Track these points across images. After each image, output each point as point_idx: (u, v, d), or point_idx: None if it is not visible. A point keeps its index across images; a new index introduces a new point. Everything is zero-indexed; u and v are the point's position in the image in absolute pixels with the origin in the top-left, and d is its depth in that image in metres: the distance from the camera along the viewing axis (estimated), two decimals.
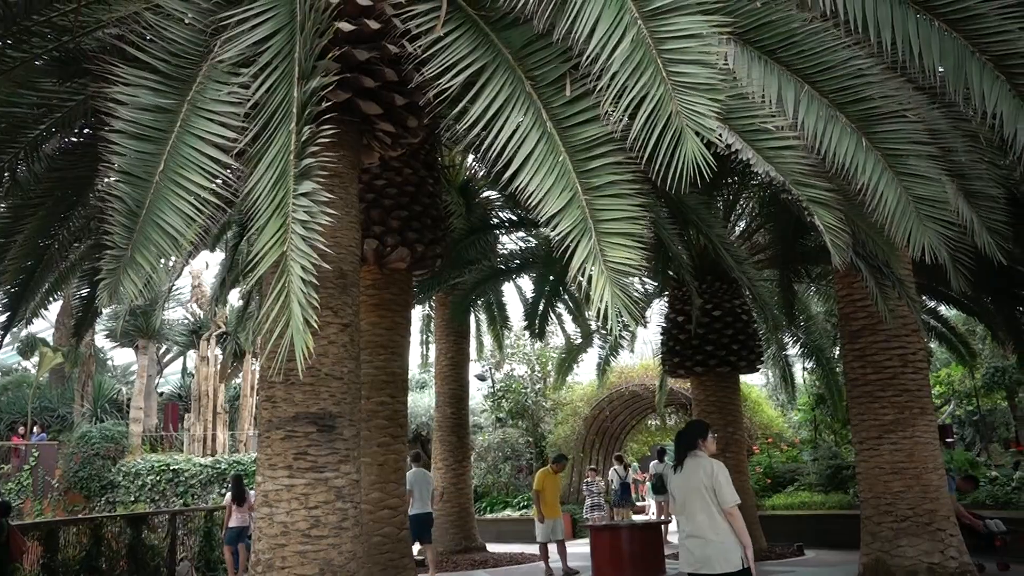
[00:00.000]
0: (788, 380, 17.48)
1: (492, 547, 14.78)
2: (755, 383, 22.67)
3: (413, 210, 9.37)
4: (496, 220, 14.19)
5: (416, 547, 10.75)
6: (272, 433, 5.37)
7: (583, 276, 3.28)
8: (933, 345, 17.29)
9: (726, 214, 13.37)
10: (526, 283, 16.63)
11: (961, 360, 16.53)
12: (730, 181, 11.94)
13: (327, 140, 4.30)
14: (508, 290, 18.13)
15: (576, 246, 3.35)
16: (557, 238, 3.41)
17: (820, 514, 13.89)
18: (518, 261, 14.29)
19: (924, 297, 13.99)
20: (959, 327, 16.37)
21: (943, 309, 15.53)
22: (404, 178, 9.43)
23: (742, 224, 13.91)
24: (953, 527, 7.93)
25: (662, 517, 15.68)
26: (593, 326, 16.31)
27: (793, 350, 16.58)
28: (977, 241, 4.63)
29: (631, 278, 3.34)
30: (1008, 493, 12.70)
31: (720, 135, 3.77)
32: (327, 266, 3.85)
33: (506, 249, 14.83)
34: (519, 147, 3.64)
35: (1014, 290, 11.83)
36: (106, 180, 3.62)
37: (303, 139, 3.62)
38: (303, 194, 3.55)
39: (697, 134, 3.08)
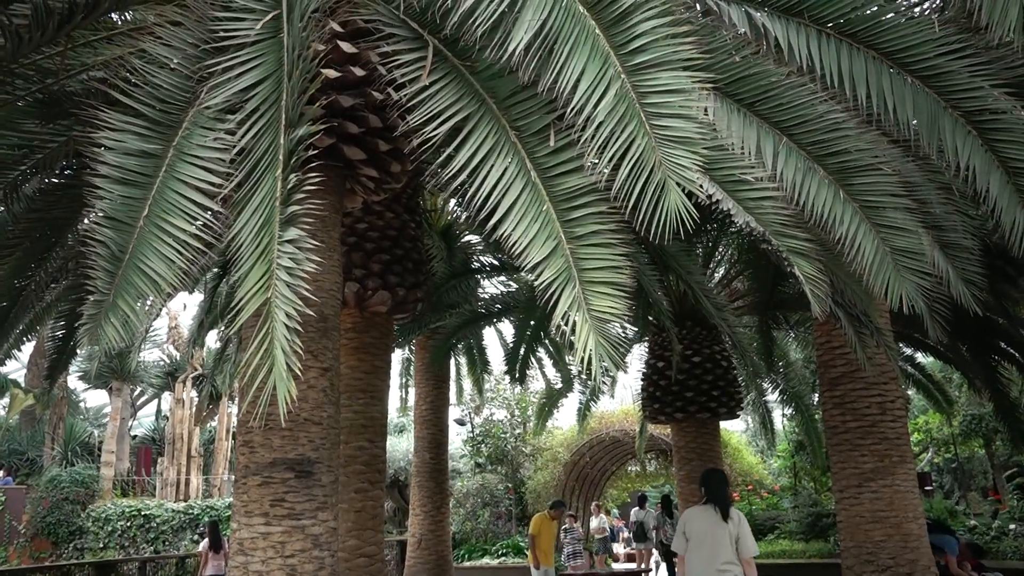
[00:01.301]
0: (768, 426, 17.51)
1: None
2: (735, 429, 22.70)
3: (395, 254, 9.37)
4: (478, 264, 14.22)
5: None
6: (249, 479, 5.28)
7: (567, 324, 3.30)
8: (911, 392, 17.42)
9: (706, 261, 13.50)
10: (507, 328, 16.63)
11: (939, 408, 16.65)
12: (710, 228, 12.08)
13: (312, 187, 4.33)
14: (489, 334, 18.19)
15: (560, 294, 3.37)
16: (541, 286, 3.43)
17: (800, 563, 13.82)
18: (499, 305, 14.28)
19: (902, 345, 14.13)
20: (936, 375, 16.51)
21: (920, 357, 15.67)
22: (386, 222, 9.43)
23: (721, 271, 14.04)
24: None
25: (642, 565, 15.55)
26: (574, 371, 16.29)
27: (772, 396, 16.64)
28: (953, 291, 4.71)
29: (614, 326, 3.36)
30: (987, 542, 12.73)
31: (702, 186, 3.83)
32: (310, 312, 3.83)
33: (487, 293, 14.84)
34: (504, 195, 3.68)
35: (989, 338, 11.98)
36: (88, 223, 3.60)
37: (289, 186, 3.63)
38: (288, 241, 3.56)
39: (679, 185, 3.13)
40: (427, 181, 4.23)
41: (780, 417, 19.24)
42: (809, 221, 4.19)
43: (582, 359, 3.28)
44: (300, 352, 3.48)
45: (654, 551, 16.21)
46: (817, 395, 13.29)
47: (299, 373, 3.48)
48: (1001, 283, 10.45)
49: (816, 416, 14.94)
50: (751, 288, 12.92)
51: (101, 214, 3.51)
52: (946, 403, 15.89)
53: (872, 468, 8.17)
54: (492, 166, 3.73)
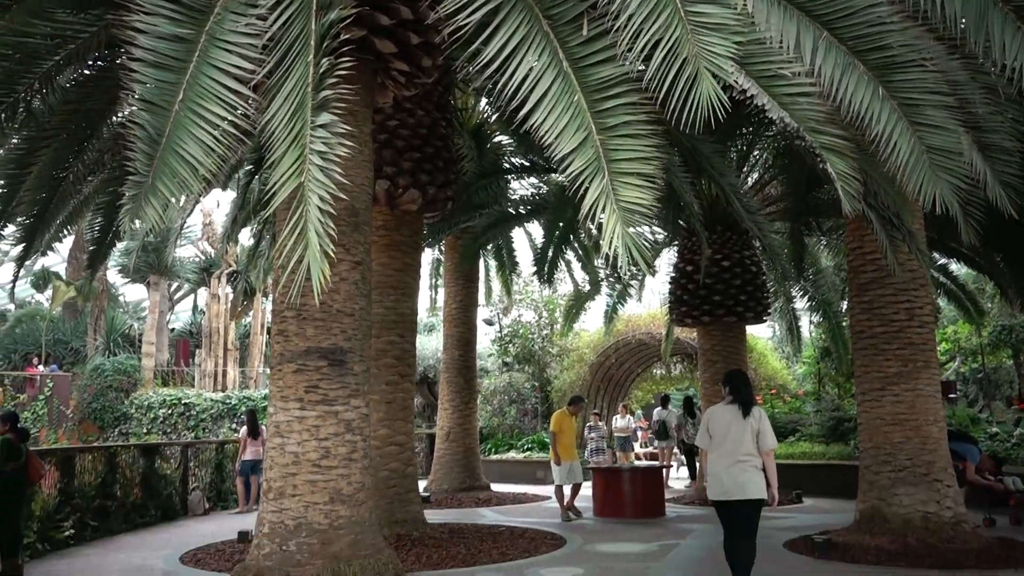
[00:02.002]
0: (794, 333, 17.56)
1: (496, 486, 15.09)
2: (762, 335, 22.78)
3: (425, 152, 9.36)
4: (508, 165, 14.13)
5: None
6: (284, 366, 5.50)
7: (594, 216, 3.32)
8: (942, 302, 17.29)
9: (739, 164, 13.28)
10: (536, 229, 16.63)
11: (969, 318, 16.54)
12: (744, 131, 11.83)
13: (343, 75, 4.30)
14: (518, 236, 18.17)
15: (589, 186, 3.38)
16: (570, 178, 3.43)
17: (820, 464, 14.08)
18: (529, 207, 14.27)
19: (935, 253, 13.96)
20: (969, 285, 16.33)
21: (954, 267, 15.48)
22: (417, 119, 9.39)
23: (755, 175, 13.82)
24: (951, 479, 8.05)
25: (663, 463, 15.96)
26: (602, 274, 16.34)
27: (801, 303, 16.63)
28: (989, 194, 4.63)
29: (641, 220, 3.37)
30: (1008, 449, 12.86)
31: (736, 79, 3.76)
32: (343, 197, 3.90)
33: (517, 195, 14.80)
34: (535, 85, 3.64)
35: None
36: (127, 109, 3.64)
37: (321, 71, 3.63)
38: (321, 126, 3.58)
39: (713, 75, 3.08)
40: (457, 76, 4.17)
41: (807, 324, 19.27)
42: (845, 119, 4.11)
43: (607, 255, 3.31)
44: (333, 235, 3.55)
45: (675, 449, 16.62)
46: (846, 302, 13.24)
47: (331, 255, 3.57)
48: None
49: (843, 323, 14.91)
50: (784, 193, 12.73)
51: (138, 98, 3.56)
52: (977, 313, 15.77)
53: (896, 372, 8.23)
54: (524, 56, 3.68)
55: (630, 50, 3.37)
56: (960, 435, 10.11)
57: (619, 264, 3.29)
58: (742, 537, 5.71)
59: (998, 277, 13.08)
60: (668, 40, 3.14)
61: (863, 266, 8.55)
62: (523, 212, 14.44)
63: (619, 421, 16.94)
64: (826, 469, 13.77)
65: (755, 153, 13.21)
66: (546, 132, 3.56)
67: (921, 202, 4.11)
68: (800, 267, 13.95)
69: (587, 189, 3.38)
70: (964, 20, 4.34)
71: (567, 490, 10.95)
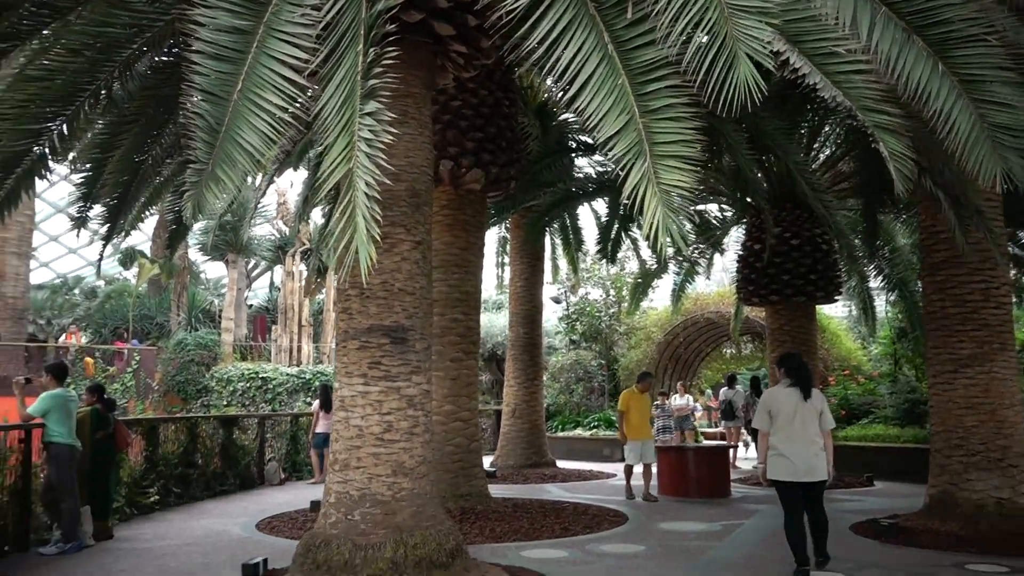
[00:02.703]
0: (869, 312, 17.11)
1: (562, 463, 15.23)
2: (836, 315, 22.26)
3: (488, 132, 9.45)
4: (573, 143, 14.10)
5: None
6: (348, 343, 5.69)
7: (636, 198, 3.35)
8: None
9: (810, 140, 12.96)
10: (602, 207, 16.56)
11: None
12: (815, 106, 11.52)
13: (400, 61, 4.40)
14: (585, 214, 18.12)
15: (631, 168, 3.41)
16: (613, 160, 3.46)
17: (894, 447, 13.75)
18: (594, 185, 14.22)
19: (1021, 233, 13.38)
20: None
21: None
22: (480, 100, 9.48)
23: (827, 151, 13.46)
24: None
25: (729, 443, 15.83)
26: (669, 252, 16.19)
27: (876, 282, 16.16)
28: None
29: (683, 200, 3.38)
30: None
31: (788, 58, 3.72)
32: (388, 182, 4.01)
33: (582, 173, 14.76)
34: (581, 68, 3.67)
35: None
36: (190, 100, 3.81)
37: (369, 60, 3.73)
38: (368, 113, 3.69)
39: (751, 58, 3.06)
40: (507, 56, 4.20)
41: (883, 303, 18.72)
42: (902, 96, 4.01)
43: (648, 233, 3.34)
44: (379, 219, 3.67)
45: (743, 429, 16.44)
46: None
47: (378, 239, 3.69)
48: None
49: (920, 303, 14.45)
50: (857, 169, 12.35)
51: (198, 88, 3.73)
52: None
53: (969, 354, 7.99)
54: (571, 38, 3.71)
55: (669, 34, 3.37)
56: None
57: (659, 246, 3.32)
58: (812, 512, 6.03)
59: None
60: (706, 23, 3.13)
61: (935, 245, 8.29)
62: (588, 190, 14.41)
63: (677, 400, 16.83)
64: (900, 452, 13.44)
65: (826, 128, 12.85)
66: (591, 114, 3.60)
67: (982, 180, 3.99)
68: (874, 245, 13.55)
69: (629, 171, 3.41)
70: None
71: (638, 470, 10.77)
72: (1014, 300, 16.75)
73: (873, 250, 13.87)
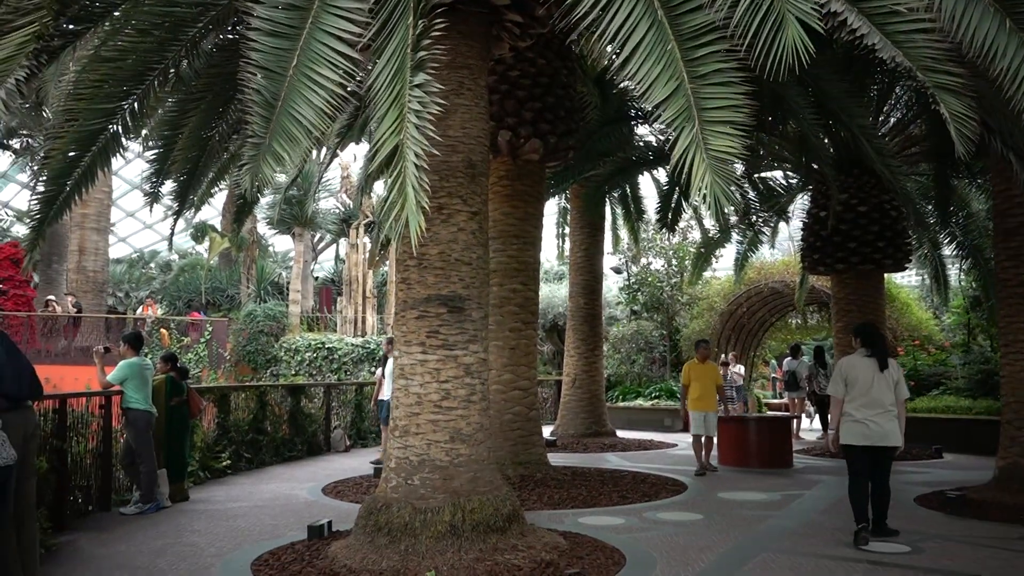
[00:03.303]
0: (941, 281, 16.56)
1: (622, 433, 15.27)
2: (907, 283, 21.63)
3: (546, 101, 9.42)
4: (632, 111, 13.93)
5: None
6: (407, 312, 5.81)
7: (685, 163, 3.34)
8: None
9: (879, 104, 12.52)
10: (663, 176, 16.36)
11: None
12: (883, 68, 11.12)
13: (454, 32, 4.43)
14: (645, 183, 17.91)
15: (680, 134, 3.39)
16: (662, 126, 3.45)
17: (964, 419, 13.40)
18: (653, 153, 14.04)
19: None
20: None
21: None
22: (538, 69, 9.45)
23: (897, 115, 12.99)
24: None
25: (793, 413, 15.61)
26: (732, 220, 15.90)
27: (948, 249, 15.62)
28: None
29: (732, 166, 3.35)
30: None
31: (847, 19, 3.63)
32: (437, 153, 4.07)
33: (642, 141, 14.57)
34: (631, 34, 3.65)
35: None
36: (248, 75, 3.92)
37: (418, 32, 3.78)
38: (417, 85, 3.74)
39: (801, 23, 2.99)
40: (558, 24, 4.18)
41: (956, 271, 18.10)
42: (967, 55, 3.86)
43: (697, 198, 3.32)
44: (428, 189, 3.73)
45: (806, 400, 16.19)
46: None
47: (427, 209, 3.75)
48: None
49: (995, 270, 13.92)
50: (929, 133, 11.91)
51: (255, 64, 3.84)
52: None
53: None
54: (621, 4, 3.68)
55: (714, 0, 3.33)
56: None
57: (703, 212, 3.31)
58: (878, 479, 6.24)
59: None
60: None
61: (1010, 209, 8.00)
62: (648, 159, 14.24)
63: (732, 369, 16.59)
64: (970, 424, 13.11)
65: (897, 91, 12.40)
66: (640, 81, 3.59)
67: None
68: (946, 211, 13.09)
69: (679, 138, 3.40)
70: None
71: (704, 441, 10.46)
72: None
73: (945, 216, 13.41)
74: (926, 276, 19.99)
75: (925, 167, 13.02)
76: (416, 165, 3.62)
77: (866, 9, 3.71)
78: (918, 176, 14.04)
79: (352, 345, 19.98)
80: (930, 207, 14.29)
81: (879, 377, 6.21)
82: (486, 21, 6.05)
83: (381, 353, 18.13)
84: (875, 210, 12.00)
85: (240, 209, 9.74)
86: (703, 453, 10.30)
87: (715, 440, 10.82)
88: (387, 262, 24.29)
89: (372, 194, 20.86)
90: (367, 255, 23.06)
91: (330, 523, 6.27)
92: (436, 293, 5.73)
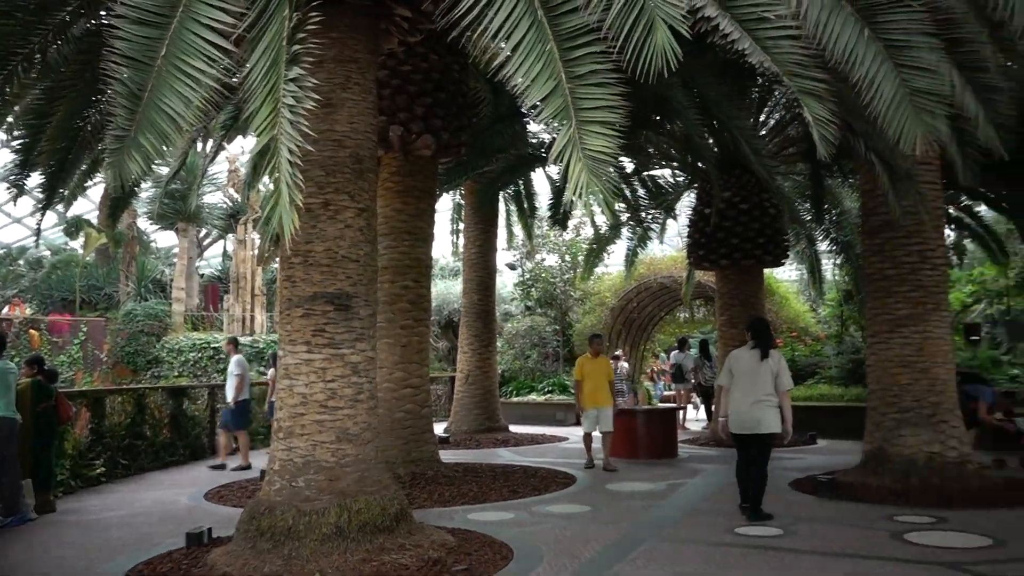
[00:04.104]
0: (816, 275, 17.46)
1: (515, 428, 15.39)
2: (784, 278, 22.67)
3: (438, 97, 9.37)
4: (524, 108, 14.01)
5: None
6: (292, 311, 5.67)
7: (562, 162, 3.39)
8: (968, 244, 17.06)
9: (759, 105, 13.07)
10: (556, 173, 16.56)
11: (994, 259, 16.31)
12: (763, 71, 11.60)
13: (342, 25, 4.33)
14: (539, 179, 18.09)
15: (558, 133, 3.44)
16: (541, 125, 3.50)
17: (837, 406, 14.15)
18: (546, 150, 14.19)
19: (964, 197, 13.72)
20: (996, 227, 16.05)
21: (983, 208, 15.21)
22: (430, 64, 9.38)
23: (776, 116, 13.60)
24: (957, 420, 8.09)
25: (679, 404, 16.12)
26: (623, 218, 16.26)
27: (823, 245, 16.49)
28: (981, 135, 4.59)
29: (608, 166, 3.42)
30: None
31: (719, 24, 3.76)
32: (312, 149, 3.98)
33: (536, 138, 14.72)
34: (511, 32, 3.67)
35: None
36: (111, 64, 3.70)
37: (293, 25, 3.68)
38: (292, 79, 3.65)
39: (669, 26, 3.09)
40: (440, 20, 4.15)
41: (831, 266, 19.12)
42: (829, 62, 4.08)
43: (571, 199, 3.37)
44: (301, 185, 3.65)
45: (692, 392, 16.75)
46: None
47: (300, 205, 3.67)
48: None
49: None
50: (805, 134, 12.49)
51: (120, 54, 3.64)
52: (1002, 255, 15.56)
53: (906, 314, 8.23)
54: (502, 3, 3.69)
55: (590, 2, 3.39)
56: (972, 376, 10.13)
57: (594, 209, 3.37)
58: (756, 465, 6.60)
59: (1019, 217, 12.86)
60: None
61: (876, 208, 8.48)
62: (541, 155, 14.39)
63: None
64: (843, 411, 13.84)
65: (776, 94, 12.98)
66: (521, 79, 3.62)
67: (903, 144, 4.10)
68: (820, 209, 13.81)
69: (556, 137, 3.44)
70: None
71: (596, 436, 10.26)
72: (955, 262, 17.31)
73: (820, 214, 14.13)
74: (803, 271, 21.06)
75: (802, 167, 13.67)
76: (290, 162, 3.52)
77: (738, 15, 3.86)
78: (795, 175, 14.74)
79: (240, 344, 19.34)
80: (806, 205, 15.05)
81: (760, 367, 6.58)
82: (374, 15, 5.97)
83: (271, 352, 17.67)
84: (756, 208, 12.53)
85: (116, 204, 9.27)
86: (604, 451, 10.07)
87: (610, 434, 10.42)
88: (277, 258, 23.64)
89: (261, 188, 20.24)
90: (256, 251, 22.38)
91: (210, 530, 6.05)
92: (322, 291, 5.61)
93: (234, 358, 11.16)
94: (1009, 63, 4.92)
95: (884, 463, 8.05)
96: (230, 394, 10.82)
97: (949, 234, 14.67)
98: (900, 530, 6.13)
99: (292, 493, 5.32)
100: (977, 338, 17.72)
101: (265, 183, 20.96)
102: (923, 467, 7.79)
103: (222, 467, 10.61)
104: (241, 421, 11.09)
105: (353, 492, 5.37)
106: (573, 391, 11.44)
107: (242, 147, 26.61)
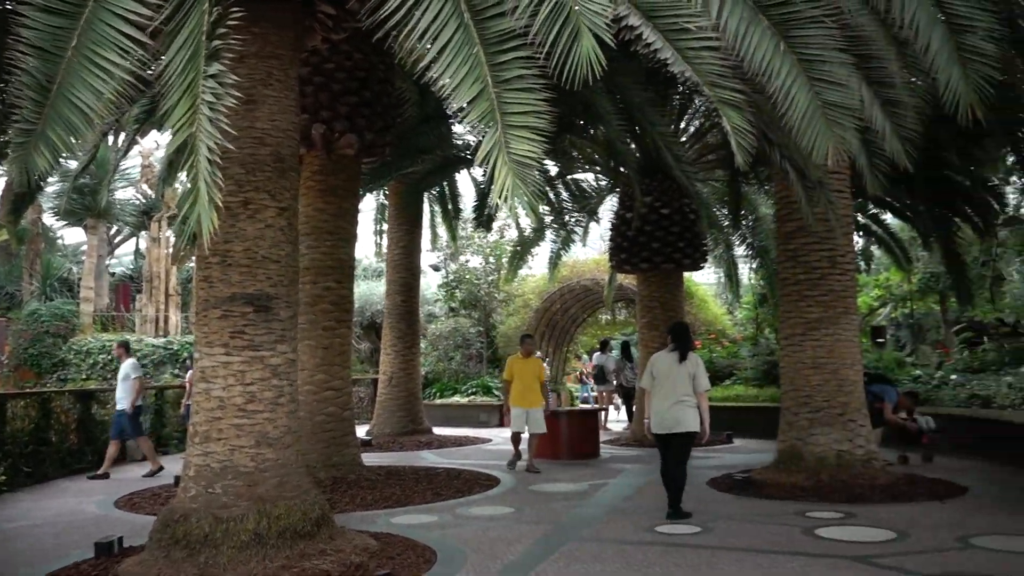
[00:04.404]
0: (733, 279, 17.97)
1: (439, 430, 15.33)
2: (704, 281, 23.25)
3: (363, 96, 9.27)
4: (450, 110, 14.00)
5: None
6: (209, 312, 5.51)
7: (489, 165, 3.40)
8: (875, 249, 17.83)
9: (681, 113, 13.38)
10: (481, 175, 16.57)
11: (899, 265, 17.10)
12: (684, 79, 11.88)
13: (264, 20, 4.23)
14: (464, 181, 18.11)
15: (484, 136, 3.45)
16: (467, 128, 3.50)
17: (752, 406, 14.56)
18: (471, 152, 14.19)
19: (871, 205, 14.33)
20: (900, 234, 16.84)
21: (890, 218, 15.93)
22: (354, 63, 9.27)
23: (696, 123, 13.94)
24: (864, 419, 8.45)
25: (601, 406, 16.34)
26: (547, 220, 16.40)
27: (740, 250, 16.98)
28: (888, 147, 4.81)
29: (534, 170, 3.45)
30: (929, 391, 13.46)
31: (643, 33, 3.83)
32: (232, 147, 3.88)
33: (461, 140, 14.71)
34: (438, 34, 3.66)
35: (949, 199, 12.19)
36: (17, 54, 3.52)
37: (213, 20, 3.58)
38: (211, 76, 3.55)
39: (593, 34, 3.13)
40: (366, 19, 4.10)
41: (747, 270, 19.71)
42: (747, 74, 4.21)
43: (496, 202, 3.39)
44: (220, 184, 3.56)
45: (614, 393, 17.00)
46: None
47: (219, 204, 3.58)
48: (968, 144, 10.54)
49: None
50: (724, 142, 12.85)
51: (27, 43, 3.46)
52: (906, 261, 16.33)
53: (817, 318, 8.54)
54: (429, 3, 3.68)
55: (516, 7, 3.41)
56: (878, 377, 10.56)
57: (518, 212, 3.39)
58: (677, 464, 6.81)
59: (923, 227, 13.52)
60: None
61: (790, 215, 8.78)
62: (467, 157, 14.37)
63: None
64: (758, 411, 14.24)
65: (696, 101, 13.31)
66: (448, 81, 3.62)
67: (815, 155, 4.27)
68: (737, 215, 14.22)
69: (484, 139, 3.46)
70: None
71: (525, 437, 10.26)
72: (863, 268, 18.08)
73: (737, 219, 14.55)
74: (721, 274, 21.67)
75: (721, 173, 14.05)
76: (209, 160, 3.42)
77: (660, 25, 3.94)
78: (714, 182, 15.14)
79: (153, 346, 18.70)
80: (724, 211, 15.48)
81: (678, 369, 6.83)
82: (298, 11, 5.86)
83: (187, 354, 17.13)
84: (676, 213, 12.81)
85: (18, 198, 8.82)
86: (532, 450, 10.10)
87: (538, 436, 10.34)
88: (193, 257, 22.94)
89: (176, 185, 19.61)
90: (171, 249, 21.67)
91: (120, 539, 5.83)
92: (241, 292, 5.47)
93: (129, 361, 10.74)
94: (914, 79, 5.15)
95: (797, 461, 8.33)
96: (126, 400, 10.41)
97: (857, 240, 15.29)
98: (812, 526, 6.35)
99: (209, 499, 5.17)
100: (883, 340, 18.55)
101: (182, 180, 20.35)
102: (833, 464, 8.10)
103: (105, 476, 10.16)
104: (139, 427, 10.72)
105: (273, 497, 5.25)
106: (500, 392, 11.41)
107: (157, 141, 25.72)
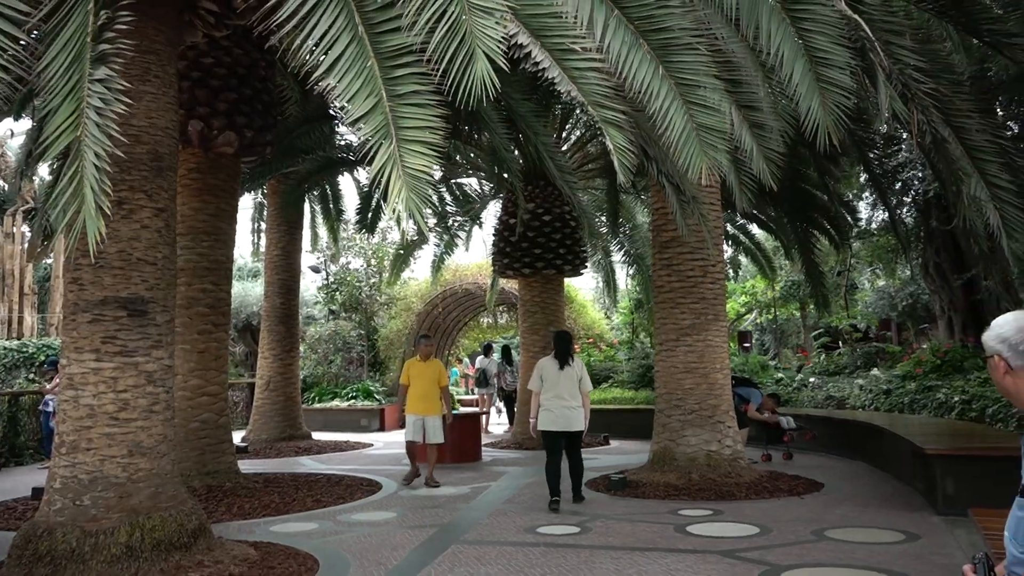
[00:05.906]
0: (611, 285, 18.56)
1: (318, 435, 15.07)
2: (582, 287, 23.89)
3: (243, 93, 9.03)
4: (333, 111, 13.83)
5: None
6: (79, 316, 5.27)
7: (383, 178, 3.44)
8: (743, 259, 18.85)
9: (563, 122, 13.72)
10: (364, 177, 16.42)
11: (764, 274, 18.14)
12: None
13: (142, 14, 4.09)
14: (346, 183, 17.89)
15: (378, 150, 3.49)
16: (361, 140, 3.51)
17: (628, 408, 15.08)
18: (355, 154, 14.05)
19: (739, 217, 15.15)
20: (766, 245, 17.87)
21: (756, 230, 16.89)
22: (234, 59, 9.02)
23: (577, 133, 14.34)
24: (732, 420, 8.95)
25: (482, 409, 16.50)
26: (431, 223, 16.41)
27: (618, 256, 17.57)
28: (755, 167, 5.16)
29: (426, 184, 3.51)
30: (789, 392, 14.36)
31: (531, 52, 3.97)
32: (120, 153, 3.76)
33: (344, 140, 14.54)
34: (332, 45, 3.66)
35: (808, 213, 13.06)
36: None
37: (100, 22, 3.45)
38: (98, 80, 3.42)
39: (486, 56, 3.24)
40: (257, 25, 4.04)
41: (624, 276, 20.39)
42: (628, 95, 4.43)
43: (389, 216, 3.44)
44: (109, 192, 3.44)
45: (495, 396, 17.20)
46: None
47: (107, 211, 3.46)
48: (826, 163, 11.35)
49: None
50: (604, 152, 13.31)
51: None
52: (770, 270, 17.34)
53: (689, 324, 8.97)
54: (323, 14, 3.68)
55: (415, 23, 3.48)
56: (744, 381, 11.18)
57: (402, 223, 3.45)
58: (573, 458, 7.67)
59: (786, 238, 14.40)
60: (448, 17, 3.27)
61: (665, 225, 9.18)
62: (350, 159, 14.22)
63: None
64: (634, 413, 14.76)
65: (577, 112, 13.69)
66: (340, 95, 3.63)
67: (691, 174, 4.53)
68: (616, 223, 14.70)
69: (376, 152, 3.49)
70: (739, 5, 4.79)
71: (425, 447, 9.27)
72: (731, 276, 19.06)
73: (615, 227, 15.04)
74: (599, 280, 22.32)
75: (600, 182, 14.50)
76: (96, 166, 3.29)
77: (548, 44, 4.09)
78: (594, 190, 15.62)
79: (5, 349, 17.50)
80: (603, 218, 15.98)
81: (563, 374, 7.57)
82: (177, 6, 5.69)
83: (42, 359, 16.11)
84: (557, 220, 13.13)
85: None
86: (429, 464, 9.22)
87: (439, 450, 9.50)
88: (51, 255, 21.60)
89: (35, 178, 18.43)
90: (26, 246, 20.32)
91: None
92: (115, 295, 5.26)
93: None
94: (779, 103, 5.53)
95: (670, 461, 8.73)
96: None
97: (727, 250, 16.13)
98: (683, 523, 6.68)
99: (76, 512, 4.94)
100: (749, 345, 19.58)
101: (42, 173, 19.12)
102: (703, 464, 8.54)
103: None
104: None
105: (147, 509, 5.08)
106: (385, 398, 11.29)
107: (11, 130, 24.11)
